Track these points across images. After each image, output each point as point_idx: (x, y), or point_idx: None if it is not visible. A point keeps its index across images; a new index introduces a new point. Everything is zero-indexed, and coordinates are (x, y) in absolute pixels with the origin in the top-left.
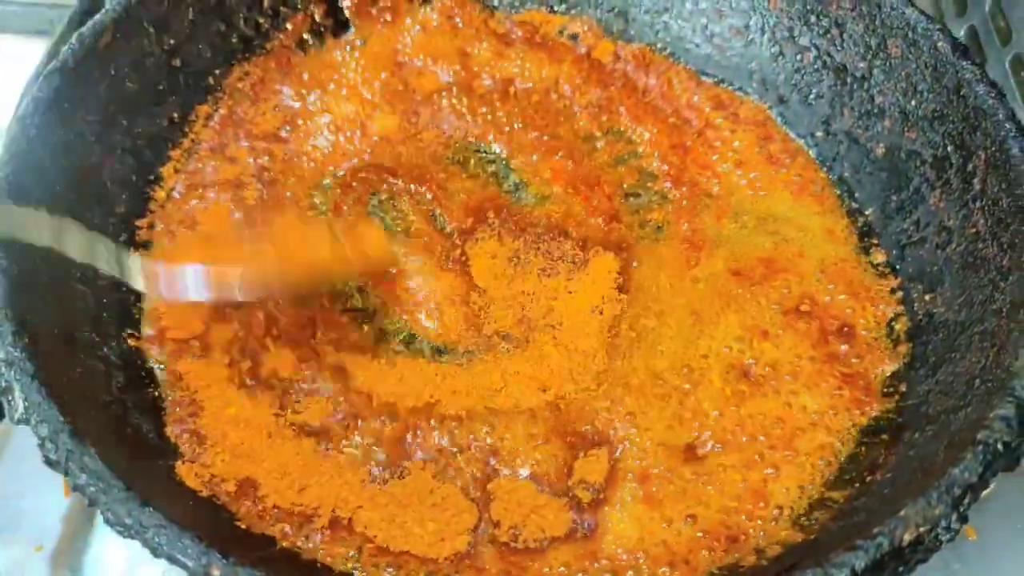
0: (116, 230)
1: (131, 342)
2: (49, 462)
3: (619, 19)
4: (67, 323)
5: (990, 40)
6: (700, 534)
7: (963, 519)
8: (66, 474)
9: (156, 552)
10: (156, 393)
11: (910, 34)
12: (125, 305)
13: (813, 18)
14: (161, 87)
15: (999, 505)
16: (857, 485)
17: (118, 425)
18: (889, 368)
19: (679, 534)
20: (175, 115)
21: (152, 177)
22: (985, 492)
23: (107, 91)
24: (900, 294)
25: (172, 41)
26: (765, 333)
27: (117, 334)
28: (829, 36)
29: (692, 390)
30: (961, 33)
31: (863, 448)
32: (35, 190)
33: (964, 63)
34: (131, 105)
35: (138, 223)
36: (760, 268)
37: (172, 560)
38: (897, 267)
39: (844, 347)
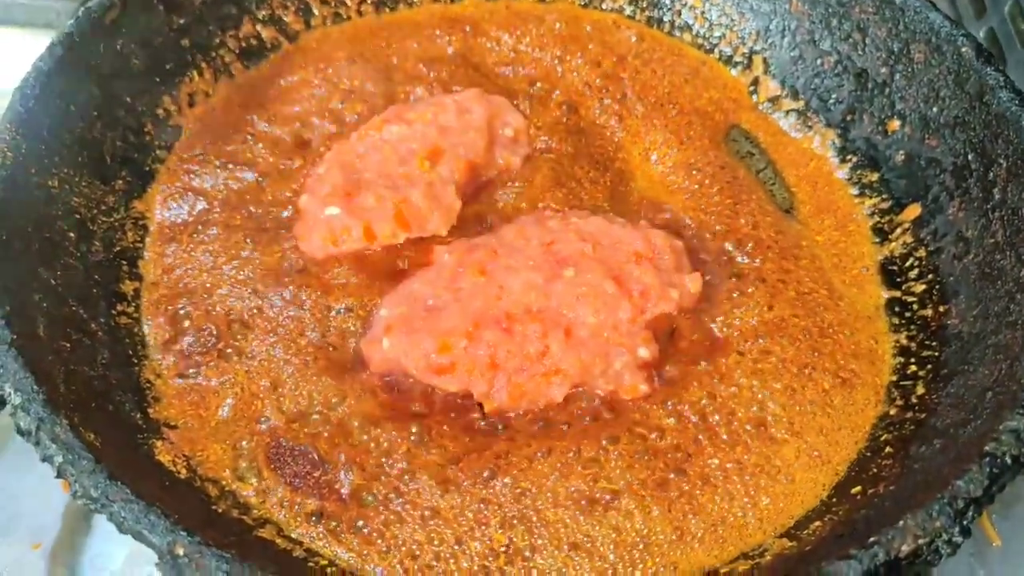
0: (113, 206)
1: (122, 320)
2: (20, 431)
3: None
4: (56, 296)
5: (1010, 42)
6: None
7: (965, 532)
8: (36, 444)
9: (121, 527)
10: (141, 372)
11: (933, 39)
12: (117, 283)
13: (835, 21)
14: (169, 66)
15: None
16: (859, 499)
17: (99, 400)
18: (898, 380)
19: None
20: (182, 95)
21: (155, 156)
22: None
23: (112, 66)
24: None
25: (182, 21)
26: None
27: (107, 311)
28: (851, 40)
29: None
30: (980, 35)
31: (867, 461)
32: (31, 159)
33: (988, 69)
34: (137, 82)
35: (135, 203)
36: None
37: (138, 536)
38: None
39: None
